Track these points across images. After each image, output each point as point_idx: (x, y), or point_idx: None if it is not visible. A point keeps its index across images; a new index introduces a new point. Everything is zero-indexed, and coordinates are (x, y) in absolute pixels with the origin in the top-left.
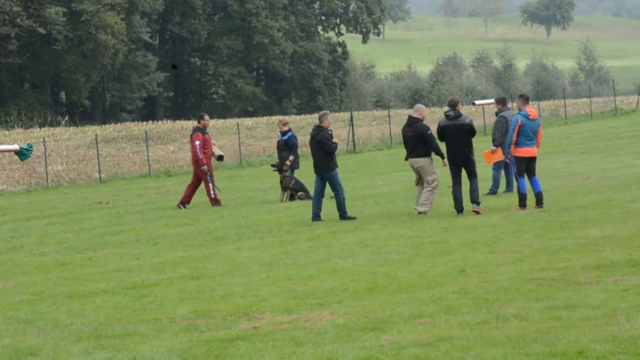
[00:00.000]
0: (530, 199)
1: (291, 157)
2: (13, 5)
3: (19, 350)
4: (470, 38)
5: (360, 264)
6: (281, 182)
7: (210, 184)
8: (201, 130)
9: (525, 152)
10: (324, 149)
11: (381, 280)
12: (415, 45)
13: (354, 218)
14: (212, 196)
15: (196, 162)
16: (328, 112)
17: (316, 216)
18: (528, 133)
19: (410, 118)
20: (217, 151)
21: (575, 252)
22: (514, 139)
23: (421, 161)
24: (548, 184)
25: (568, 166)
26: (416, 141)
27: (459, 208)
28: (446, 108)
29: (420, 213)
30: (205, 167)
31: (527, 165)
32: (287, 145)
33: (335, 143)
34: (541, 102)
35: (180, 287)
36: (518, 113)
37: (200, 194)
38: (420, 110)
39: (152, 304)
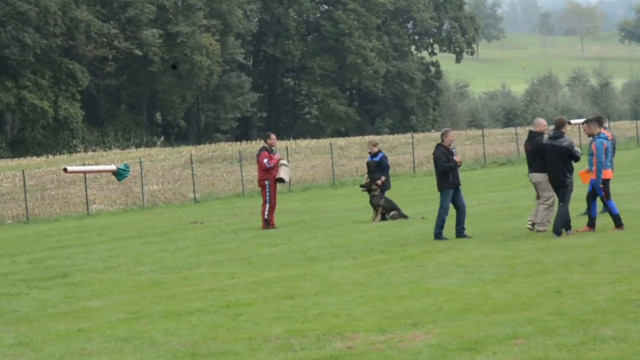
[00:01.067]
0: (605, 222)
1: (382, 178)
2: (111, 28)
3: None
4: (566, 57)
5: (454, 284)
6: (371, 202)
7: (268, 205)
8: (267, 149)
9: (610, 174)
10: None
11: (475, 300)
12: (509, 64)
13: (447, 239)
14: (265, 217)
15: (260, 180)
16: (449, 129)
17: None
18: (610, 155)
19: (530, 132)
20: (282, 172)
21: None
22: (598, 163)
23: (539, 176)
24: None
25: None
26: (534, 156)
27: (555, 229)
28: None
29: (538, 231)
30: (267, 182)
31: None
32: (379, 167)
33: (452, 162)
34: (639, 122)
35: (275, 307)
36: (597, 137)
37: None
38: (539, 124)
39: (247, 323)
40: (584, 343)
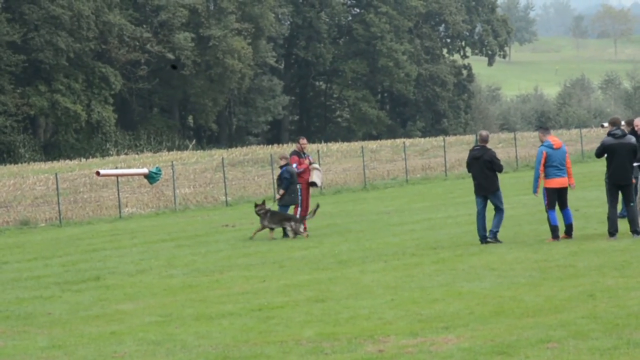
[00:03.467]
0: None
1: (281, 191)
2: (143, 31)
3: None
4: (599, 59)
5: (486, 287)
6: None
7: (300, 208)
8: (297, 153)
9: (555, 182)
10: (492, 169)
11: (508, 304)
12: (541, 67)
13: (501, 242)
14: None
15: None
16: (487, 132)
17: (483, 238)
18: (556, 163)
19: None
20: (314, 176)
21: None
22: (540, 172)
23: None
24: None
25: None
26: None
27: (612, 231)
28: (575, 130)
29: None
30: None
31: (559, 197)
32: (279, 180)
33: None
34: None
35: (306, 310)
36: (541, 145)
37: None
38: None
39: (278, 326)
40: (617, 347)
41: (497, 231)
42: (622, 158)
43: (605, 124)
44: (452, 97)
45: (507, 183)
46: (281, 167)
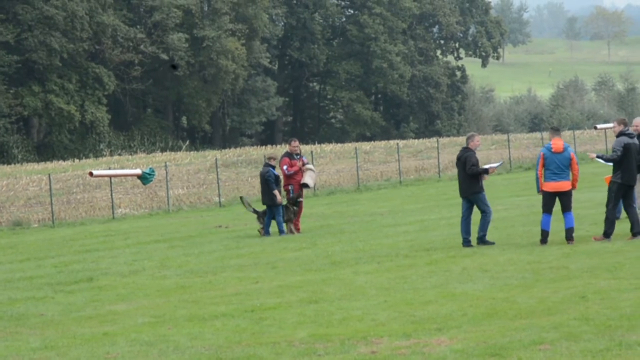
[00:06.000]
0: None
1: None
2: (137, 32)
3: None
4: (593, 61)
5: (479, 289)
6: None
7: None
8: (289, 155)
9: (549, 186)
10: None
11: (500, 305)
12: (535, 68)
13: (493, 243)
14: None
15: (284, 185)
16: (475, 133)
17: (465, 241)
18: (552, 167)
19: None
20: (306, 177)
21: None
22: (539, 173)
23: None
24: None
25: None
26: None
27: (611, 232)
28: (568, 132)
29: None
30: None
31: (559, 200)
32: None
33: (479, 168)
34: None
35: (299, 311)
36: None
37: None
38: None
39: (271, 328)
40: (609, 349)
41: (484, 234)
42: (633, 158)
43: (599, 126)
44: (446, 98)
45: (500, 184)
46: (270, 165)
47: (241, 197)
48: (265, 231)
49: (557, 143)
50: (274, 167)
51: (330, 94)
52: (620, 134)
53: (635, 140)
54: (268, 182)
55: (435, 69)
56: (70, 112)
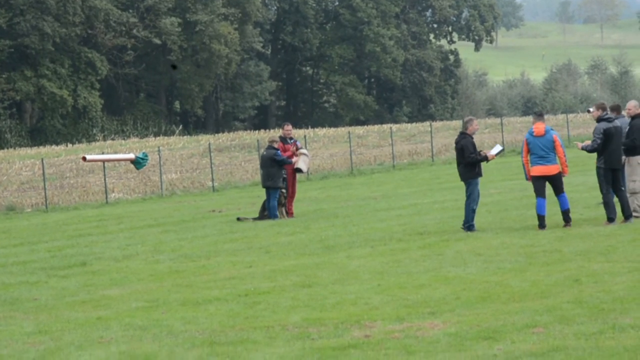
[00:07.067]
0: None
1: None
2: (130, 16)
3: (135, 356)
4: (586, 45)
5: (472, 272)
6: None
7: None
8: (282, 139)
9: (535, 170)
10: (464, 157)
11: (494, 289)
12: (528, 52)
13: (474, 231)
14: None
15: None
16: (473, 118)
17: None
18: (537, 151)
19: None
20: (300, 162)
21: None
22: (524, 159)
23: None
24: None
25: None
26: None
27: (613, 216)
28: (561, 115)
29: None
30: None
31: (551, 184)
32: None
33: (477, 154)
34: None
35: (292, 295)
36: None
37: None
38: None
39: (265, 312)
40: (602, 332)
41: (465, 222)
42: (618, 142)
43: (592, 109)
44: (439, 82)
45: (493, 168)
46: (273, 148)
47: (238, 218)
48: (272, 214)
49: (538, 127)
50: (278, 150)
51: (324, 78)
52: (600, 120)
53: (617, 123)
54: (278, 162)
55: (428, 52)
56: (63, 96)
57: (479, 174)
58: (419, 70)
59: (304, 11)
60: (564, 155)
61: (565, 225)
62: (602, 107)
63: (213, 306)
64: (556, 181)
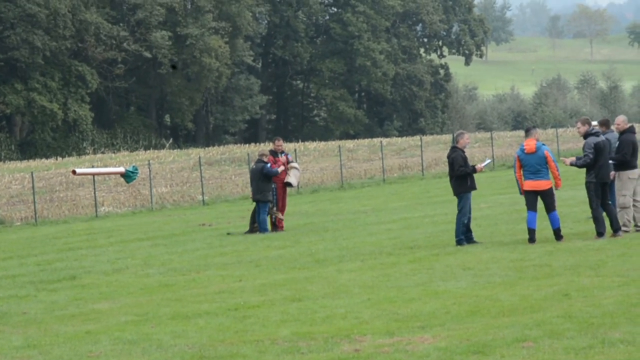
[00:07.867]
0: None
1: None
2: (120, 30)
3: None
4: (575, 60)
5: (462, 286)
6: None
7: (275, 207)
8: (273, 152)
9: (528, 185)
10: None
11: (484, 303)
12: (518, 66)
13: (463, 245)
14: (273, 220)
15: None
16: (465, 131)
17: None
18: (528, 167)
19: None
20: (290, 176)
21: None
22: (517, 175)
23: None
24: None
25: None
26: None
27: (602, 230)
28: (551, 130)
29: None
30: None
31: (542, 200)
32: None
33: (467, 167)
34: None
35: (282, 309)
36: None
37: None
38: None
39: (254, 326)
40: (592, 346)
41: (456, 237)
42: (606, 156)
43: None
44: (429, 96)
45: (483, 182)
46: (263, 162)
47: (228, 233)
48: (262, 228)
49: (529, 144)
50: (267, 163)
51: (314, 92)
52: (587, 135)
53: (603, 137)
54: (268, 174)
55: (418, 67)
56: (53, 110)
57: (472, 187)
58: (409, 85)
59: (295, 25)
60: (557, 170)
61: (558, 241)
62: (587, 122)
63: (203, 320)
64: (547, 197)
